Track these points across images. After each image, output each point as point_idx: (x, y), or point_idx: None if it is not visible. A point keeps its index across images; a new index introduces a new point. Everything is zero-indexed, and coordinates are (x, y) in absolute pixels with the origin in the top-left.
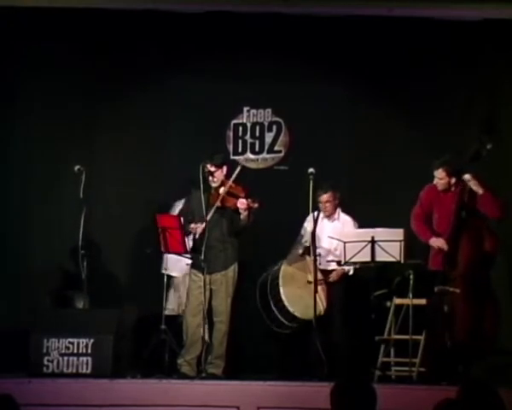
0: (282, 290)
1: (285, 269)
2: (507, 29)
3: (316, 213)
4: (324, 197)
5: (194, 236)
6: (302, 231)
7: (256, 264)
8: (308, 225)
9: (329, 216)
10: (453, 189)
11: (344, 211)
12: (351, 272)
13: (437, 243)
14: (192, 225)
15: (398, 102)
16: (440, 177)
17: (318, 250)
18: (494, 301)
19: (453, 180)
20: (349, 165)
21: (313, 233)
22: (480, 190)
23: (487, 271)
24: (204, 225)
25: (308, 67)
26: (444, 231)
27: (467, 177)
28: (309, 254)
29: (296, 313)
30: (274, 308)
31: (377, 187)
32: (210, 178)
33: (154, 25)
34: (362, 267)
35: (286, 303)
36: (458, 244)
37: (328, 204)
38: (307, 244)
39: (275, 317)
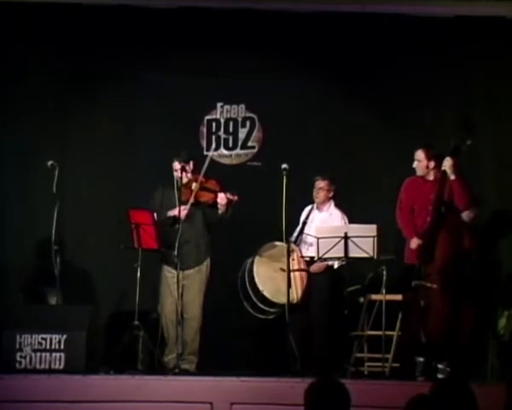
0: (255, 269)
1: (264, 251)
2: (478, 26)
3: (310, 206)
4: (320, 183)
5: (169, 231)
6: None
7: (229, 260)
8: (302, 216)
9: (320, 207)
10: (431, 178)
11: (336, 205)
12: (335, 266)
13: (416, 243)
14: (175, 212)
15: (371, 99)
16: (419, 159)
17: (307, 240)
18: (470, 298)
19: (432, 164)
20: (322, 161)
21: (303, 224)
22: (452, 176)
23: (464, 268)
24: (188, 206)
25: (282, 63)
26: (422, 221)
27: (447, 159)
28: (298, 244)
29: (265, 293)
30: (249, 289)
31: (350, 183)
32: (178, 174)
33: (126, 21)
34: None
35: (256, 281)
36: (436, 239)
37: (321, 191)
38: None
39: (249, 296)
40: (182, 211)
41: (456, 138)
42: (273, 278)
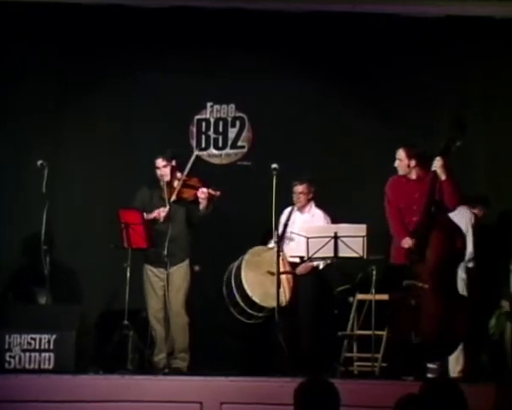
0: (243, 274)
1: (251, 255)
2: (471, 26)
3: (290, 207)
4: (299, 188)
5: (154, 230)
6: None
7: (219, 259)
8: (282, 218)
9: (301, 209)
10: (414, 177)
11: (317, 205)
12: (320, 267)
13: (408, 243)
14: (156, 212)
15: (363, 99)
16: (400, 158)
17: (290, 243)
18: (462, 299)
19: (413, 163)
20: (313, 160)
21: (285, 226)
22: (443, 176)
23: (456, 268)
24: (167, 209)
25: (273, 63)
26: (408, 221)
27: (437, 159)
28: (280, 246)
29: (254, 298)
30: (236, 292)
31: (341, 183)
32: (160, 172)
33: (120, 21)
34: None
35: (245, 287)
36: (428, 239)
37: (301, 195)
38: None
39: (236, 302)
40: (161, 212)
41: (446, 139)
42: (261, 283)
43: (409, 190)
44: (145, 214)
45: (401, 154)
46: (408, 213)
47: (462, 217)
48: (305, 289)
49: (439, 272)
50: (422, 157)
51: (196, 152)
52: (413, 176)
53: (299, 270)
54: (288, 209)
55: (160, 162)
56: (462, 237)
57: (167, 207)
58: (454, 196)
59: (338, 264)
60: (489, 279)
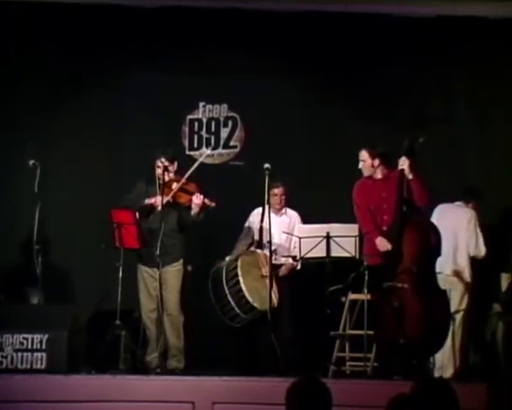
0: (242, 281)
1: (242, 261)
2: (464, 26)
3: (261, 208)
4: (281, 190)
5: (149, 229)
6: (246, 227)
7: (211, 259)
8: (254, 220)
9: (277, 211)
10: (380, 176)
11: (289, 206)
12: (298, 267)
13: (386, 245)
14: (153, 199)
15: (354, 99)
16: (363, 159)
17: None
18: (442, 294)
19: (376, 162)
20: (305, 160)
21: (261, 228)
22: (410, 175)
23: (434, 264)
24: (165, 199)
25: (264, 62)
26: (380, 220)
27: (403, 159)
28: (259, 248)
29: (255, 304)
30: (231, 300)
31: (333, 183)
32: (160, 171)
33: (110, 20)
34: (312, 263)
35: (246, 294)
36: (402, 239)
37: (283, 197)
38: (253, 239)
39: (230, 308)
40: (158, 199)
41: (409, 137)
42: (256, 288)
43: (376, 190)
44: (146, 200)
45: (364, 155)
46: (379, 212)
47: (462, 216)
48: (286, 292)
49: (417, 270)
50: (385, 156)
51: (202, 159)
52: (378, 175)
53: (283, 271)
54: (259, 211)
55: (161, 162)
56: (437, 232)
57: (165, 199)
58: (423, 193)
59: (330, 263)
60: (482, 279)
